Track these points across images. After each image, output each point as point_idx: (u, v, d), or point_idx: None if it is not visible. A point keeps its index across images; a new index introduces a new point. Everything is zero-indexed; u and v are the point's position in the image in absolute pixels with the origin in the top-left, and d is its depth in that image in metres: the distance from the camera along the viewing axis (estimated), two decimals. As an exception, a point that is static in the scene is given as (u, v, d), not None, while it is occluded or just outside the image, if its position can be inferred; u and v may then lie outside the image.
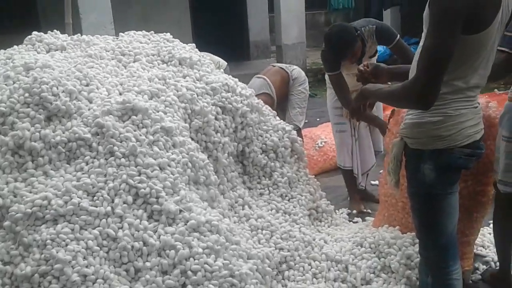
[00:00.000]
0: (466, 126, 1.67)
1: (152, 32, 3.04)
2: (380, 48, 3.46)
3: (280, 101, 3.77)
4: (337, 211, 3.31)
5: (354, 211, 3.45)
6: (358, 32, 3.04)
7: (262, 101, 3.03)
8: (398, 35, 3.10)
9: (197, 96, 2.59)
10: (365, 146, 3.48)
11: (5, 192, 2.00)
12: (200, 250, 1.99)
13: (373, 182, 3.90)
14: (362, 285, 2.39)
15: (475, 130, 1.70)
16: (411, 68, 1.72)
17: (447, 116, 1.64)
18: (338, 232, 2.81)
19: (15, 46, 2.73)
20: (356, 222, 3.23)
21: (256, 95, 3.12)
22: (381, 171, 3.46)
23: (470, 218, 2.35)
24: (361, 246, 2.55)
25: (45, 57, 2.50)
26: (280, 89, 3.74)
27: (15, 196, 2.00)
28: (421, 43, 1.63)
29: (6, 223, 1.94)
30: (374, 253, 2.50)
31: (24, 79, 2.23)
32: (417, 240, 1.97)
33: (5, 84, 2.23)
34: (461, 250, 2.19)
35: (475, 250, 2.63)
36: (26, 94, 2.18)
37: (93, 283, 1.86)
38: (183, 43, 3.03)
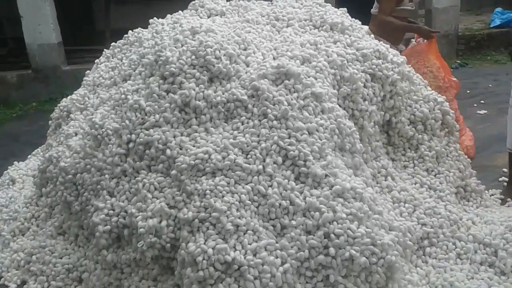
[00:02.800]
0: None
1: (303, -4, 3.06)
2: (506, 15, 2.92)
3: None
4: (487, 191, 3.07)
5: (509, 199, 3.12)
6: None
7: None
8: None
9: (347, 62, 2.58)
10: None
11: (173, 144, 2.25)
12: (344, 215, 2.04)
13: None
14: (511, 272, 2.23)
15: None
16: None
17: None
18: (489, 214, 2.63)
19: (180, 11, 2.98)
20: (509, 206, 2.96)
21: None
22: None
23: None
24: (516, 232, 2.36)
25: (208, 21, 2.68)
26: None
27: (180, 149, 2.25)
28: None
29: (173, 172, 2.20)
30: (531, 241, 2.30)
31: (191, 42, 2.44)
32: None
33: (175, 47, 2.46)
34: None
35: None
36: (193, 57, 2.38)
37: (244, 234, 2.02)
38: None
